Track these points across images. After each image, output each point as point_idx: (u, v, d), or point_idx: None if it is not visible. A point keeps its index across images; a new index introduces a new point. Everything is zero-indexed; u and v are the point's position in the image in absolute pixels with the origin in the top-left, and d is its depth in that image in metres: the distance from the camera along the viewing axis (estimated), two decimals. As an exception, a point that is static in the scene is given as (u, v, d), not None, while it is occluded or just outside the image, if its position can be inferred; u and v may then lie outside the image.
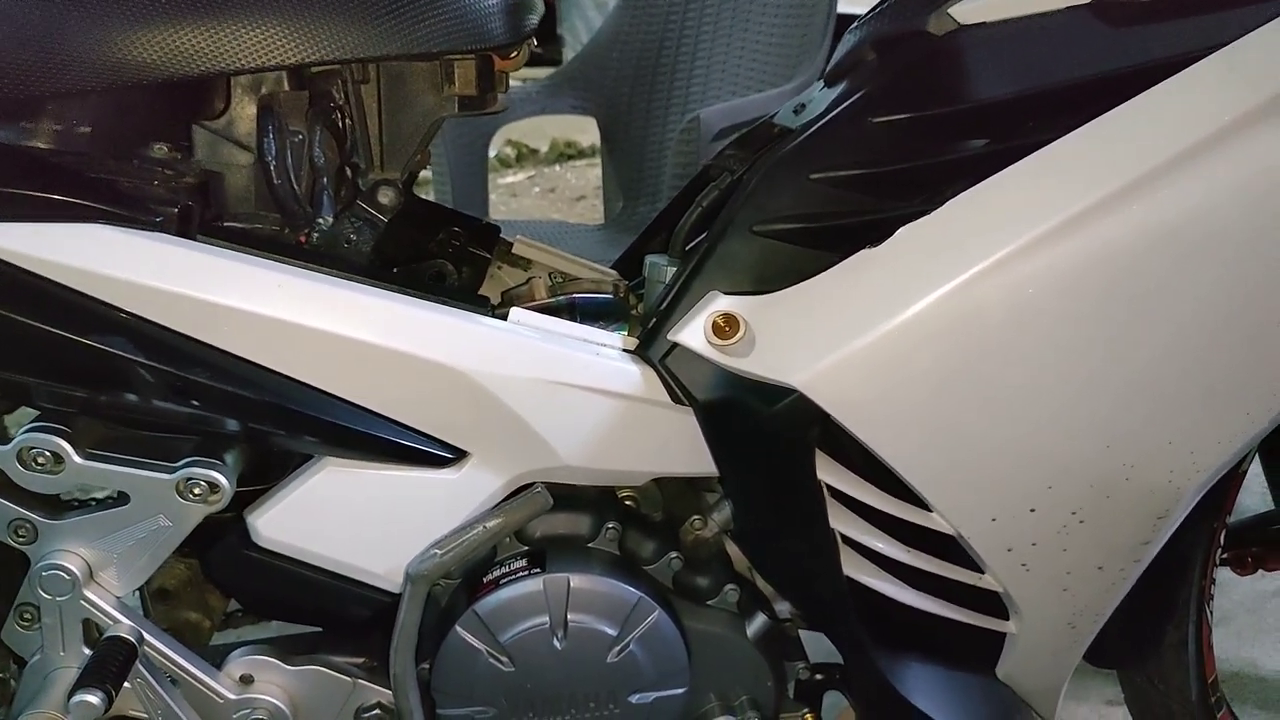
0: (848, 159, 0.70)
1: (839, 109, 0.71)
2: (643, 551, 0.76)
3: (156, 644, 0.72)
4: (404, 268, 0.83)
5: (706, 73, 1.70)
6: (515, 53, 0.74)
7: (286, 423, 0.69)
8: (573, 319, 0.79)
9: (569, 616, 0.72)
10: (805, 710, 0.82)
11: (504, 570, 0.74)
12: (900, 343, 0.66)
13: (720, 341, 0.68)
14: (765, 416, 0.69)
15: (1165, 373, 0.65)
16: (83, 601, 0.70)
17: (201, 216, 0.71)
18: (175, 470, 0.69)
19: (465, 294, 0.80)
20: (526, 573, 0.73)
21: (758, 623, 0.78)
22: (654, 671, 0.74)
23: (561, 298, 0.82)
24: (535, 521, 0.74)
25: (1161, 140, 0.62)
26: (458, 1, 0.68)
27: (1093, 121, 0.63)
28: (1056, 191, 0.63)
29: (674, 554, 0.76)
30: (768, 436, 0.70)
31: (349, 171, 0.78)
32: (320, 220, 0.72)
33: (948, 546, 0.72)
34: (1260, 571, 0.99)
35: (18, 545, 0.71)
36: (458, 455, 0.71)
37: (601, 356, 0.71)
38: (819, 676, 0.82)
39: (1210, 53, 0.62)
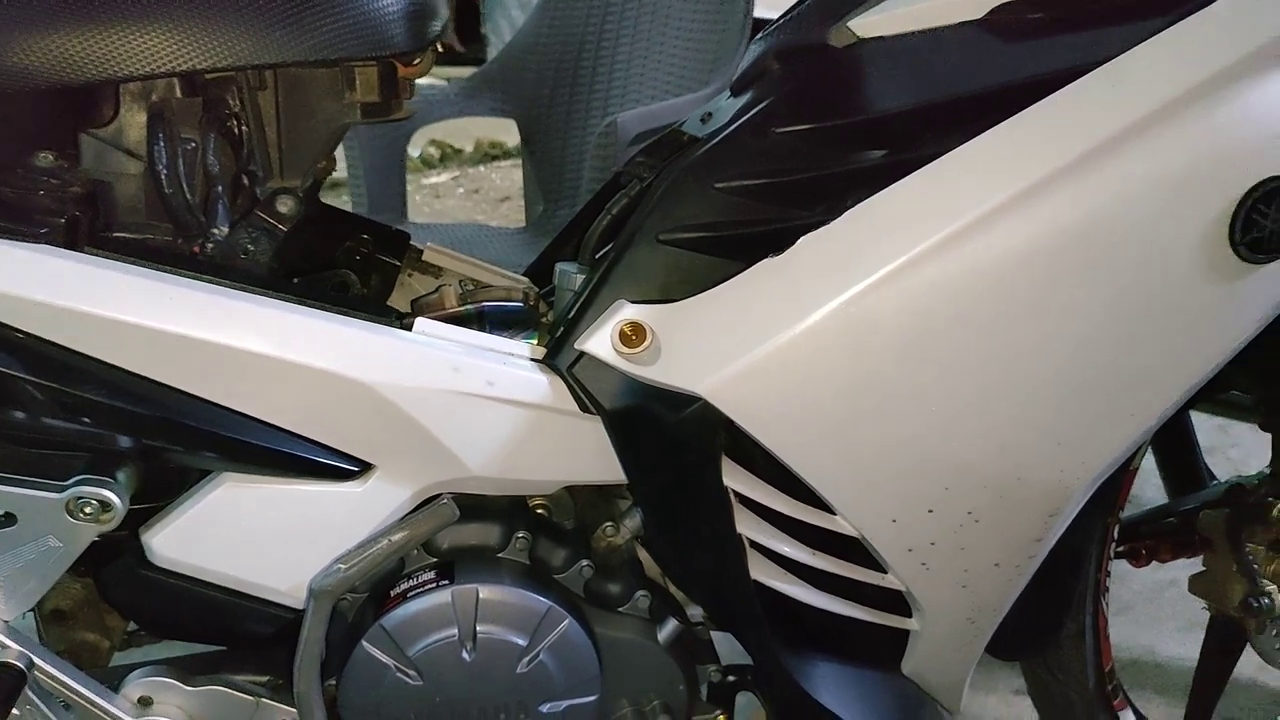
0: (751, 169, 0.71)
1: (743, 119, 0.72)
2: (553, 560, 0.76)
3: (48, 668, 0.70)
4: (306, 278, 0.82)
5: (626, 76, 1.71)
6: (418, 59, 0.73)
7: (182, 438, 0.67)
8: (482, 327, 0.78)
9: (478, 628, 0.72)
10: (718, 711, 0.82)
11: (412, 583, 0.73)
12: (801, 350, 0.67)
13: (627, 350, 0.69)
14: (672, 424, 0.70)
15: (1052, 378, 0.67)
16: (-33, 627, 0.68)
17: (90, 227, 0.68)
18: (64, 489, 0.66)
19: (370, 303, 0.79)
20: (435, 585, 0.72)
21: (669, 627, 0.78)
22: (565, 680, 0.74)
23: (470, 306, 0.82)
24: (444, 532, 0.74)
25: (1048, 152, 0.64)
26: (357, 7, 0.67)
27: (984, 134, 0.65)
28: (948, 202, 0.65)
29: (585, 562, 0.76)
30: (674, 444, 0.71)
31: (246, 180, 0.76)
32: (215, 230, 0.70)
33: (852, 548, 0.74)
34: (1154, 563, 1.03)
35: (-105, 570, 0.68)
36: (363, 468, 0.70)
37: (508, 366, 0.71)
38: (731, 678, 0.82)
39: (1095, 68, 0.65)
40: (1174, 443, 1.03)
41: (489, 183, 3.78)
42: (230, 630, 0.73)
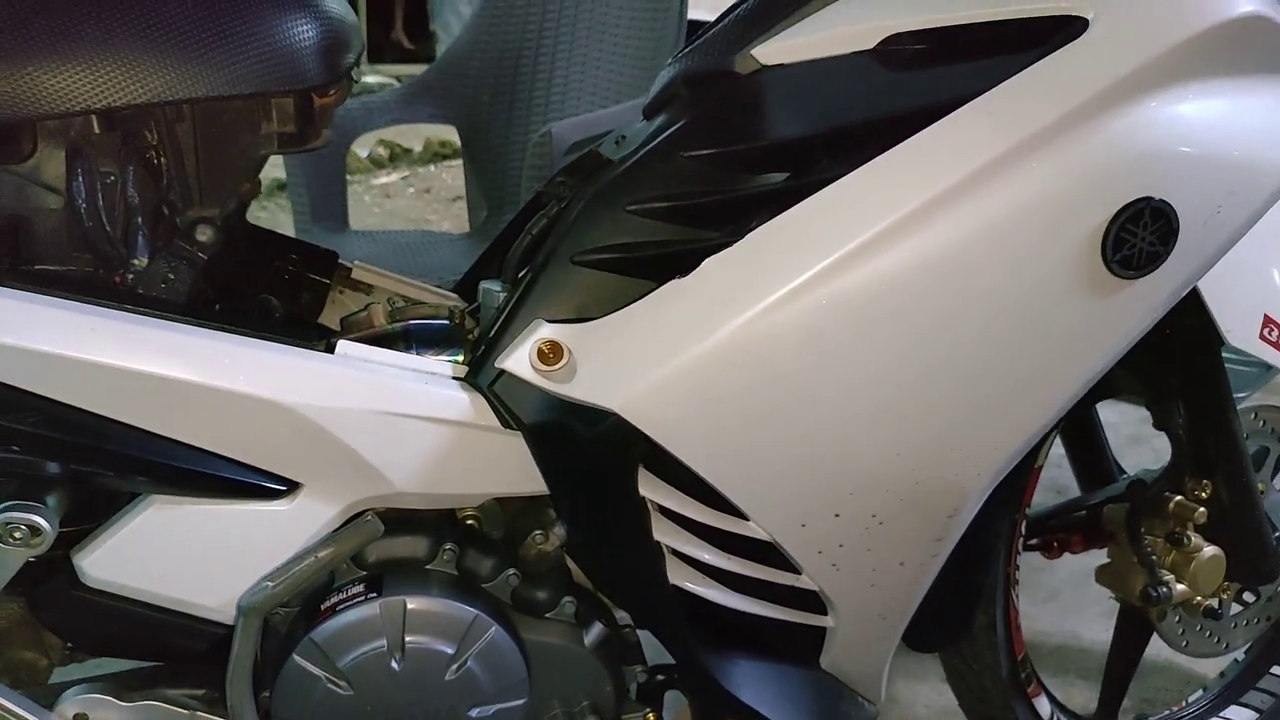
0: (661, 191, 0.74)
1: (653, 143, 0.75)
2: (481, 570, 0.79)
3: (-19, 690, 0.71)
4: (228, 303, 0.83)
5: (565, 83, 1.73)
6: (333, 90, 0.75)
7: (109, 464, 0.69)
8: (407, 346, 0.80)
9: (406, 638, 0.74)
10: (647, 710, 0.86)
11: (341, 596, 0.75)
12: (709, 366, 0.70)
13: (545, 368, 0.71)
14: (589, 438, 0.72)
15: (941, 388, 0.71)
16: (-102, 653, 0.69)
17: (11, 261, 0.69)
18: (-7, 515, 0.68)
19: (293, 326, 0.81)
20: (363, 598, 0.74)
21: (595, 631, 0.81)
22: (493, 685, 0.76)
23: (397, 325, 0.84)
24: (374, 546, 0.76)
25: (932, 178, 0.68)
26: (271, 42, 0.69)
27: (873, 160, 0.69)
28: (841, 225, 0.69)
29: (512, 571, 0.79)
30: (592, 457, 0.74)
31: (166, 210, 0.77)
32: (136, 261, 0.71)
33: (766, 551, 0.77)
34: (1082, 552, 1.07)
35: None
36: (290, 487, 0.72)
37: (430, 384, 0.73)
38: (659, 677, 0.86)
39: (974, 98, 0.69)
40: (1082, 439, 1.07)
41: (439, 182, 3.78)
42: (163, 647, 0.75)
